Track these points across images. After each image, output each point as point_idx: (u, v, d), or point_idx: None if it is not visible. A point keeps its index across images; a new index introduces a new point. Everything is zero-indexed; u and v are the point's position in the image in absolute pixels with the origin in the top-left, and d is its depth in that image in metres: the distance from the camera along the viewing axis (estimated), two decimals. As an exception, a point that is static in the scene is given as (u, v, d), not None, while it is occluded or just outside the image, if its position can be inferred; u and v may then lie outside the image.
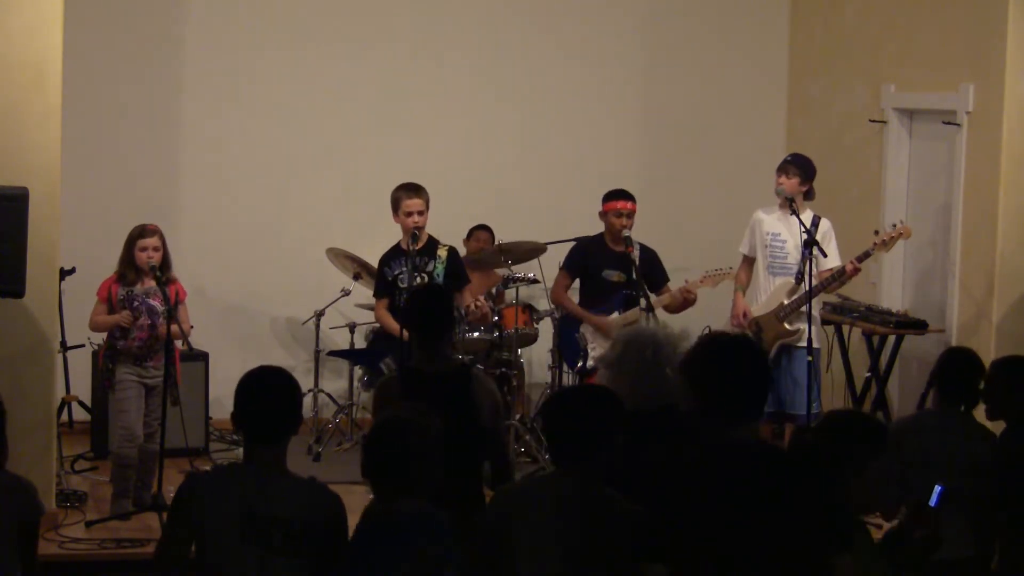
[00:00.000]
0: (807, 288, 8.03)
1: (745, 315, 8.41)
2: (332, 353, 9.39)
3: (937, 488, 4.36)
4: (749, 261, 8.58)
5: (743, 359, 4.15)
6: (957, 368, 5.89)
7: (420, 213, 7.94)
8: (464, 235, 9.76)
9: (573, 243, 8.88)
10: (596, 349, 8.36)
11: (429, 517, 4.36)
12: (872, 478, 4.15)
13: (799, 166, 8.36)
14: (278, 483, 4.50)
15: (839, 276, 8.18)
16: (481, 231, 9.76)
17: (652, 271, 8.45)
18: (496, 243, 9.51)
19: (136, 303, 7.71)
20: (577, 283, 8.68)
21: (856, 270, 8.17)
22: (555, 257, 9.02)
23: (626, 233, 8.32)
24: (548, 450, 4.69)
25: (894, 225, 8.31)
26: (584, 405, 4.60)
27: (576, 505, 4.44)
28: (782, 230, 8.39)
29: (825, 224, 8.31)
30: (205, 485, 4.60)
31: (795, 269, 8.33)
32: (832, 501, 3.90)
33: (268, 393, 4.58)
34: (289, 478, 4.55)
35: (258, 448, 4.56)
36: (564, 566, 4.41)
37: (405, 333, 7.59)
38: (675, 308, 8.31)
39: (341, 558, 4.41)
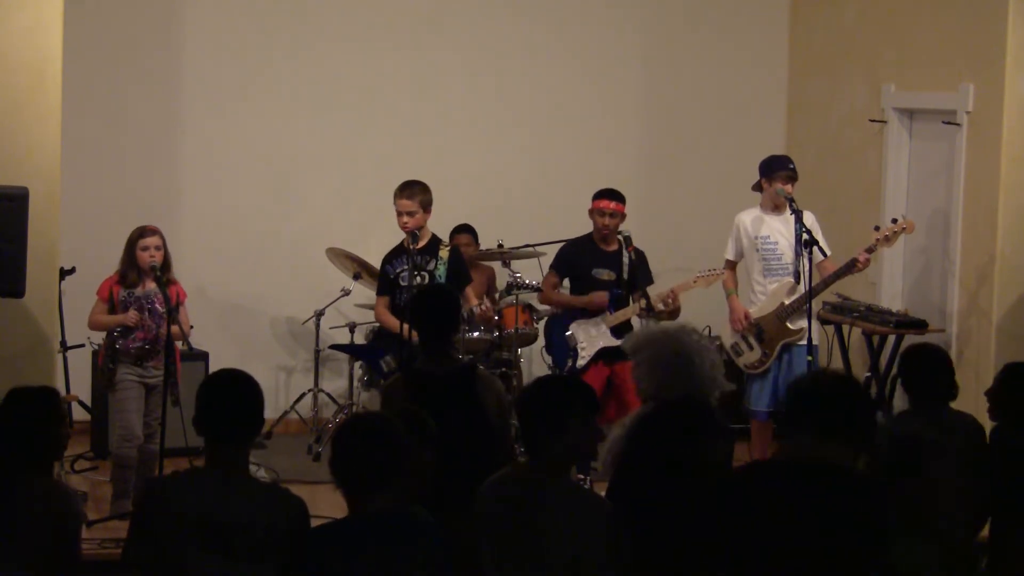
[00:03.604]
0: (807, 287, 8.02)
1: (746, 317, 8.39)
2: (333, 347, 9.39)
3: None
4: (733, 265, 8.55)
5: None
6: (921, 365, 5.93)
7: (410, 214, 7.91)
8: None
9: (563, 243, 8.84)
10: (586, 348, 8.35)
11: (405, 516, 4.31)
12: None
13: (796, 172, 8.36)
14: (239, 488, 4.46)
15: (850, 268, 8.16)
16: (460, 234, 9.60)
17: (637, 271, 8.38)
18: (498, 243, 9.51)
19: (141, 304, 7.71)
20: (568, 284, 8.65)
21: (868, 261, 8.15)
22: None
23: (626, 233, 8.29)
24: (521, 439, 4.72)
25: (895, 220, 8.30)
26: (537, 393, 4.63)
27: (545, 499, 4.45)
28: (771, 232, 8.36)
29: (810, 217, 8.29)
30: (163, 491, 4.56)
31: (791, 269, 8.31)
32: (884, 518, 3.94)
33: (228, 395, 4.56)
34: (251, 482, 4.52)
35: (219, 452, 4.53)
36: (536, 562, 4.41)
37: (406, 329, 7.65)
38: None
39: (307, 559, 4.33)
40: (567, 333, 8.49)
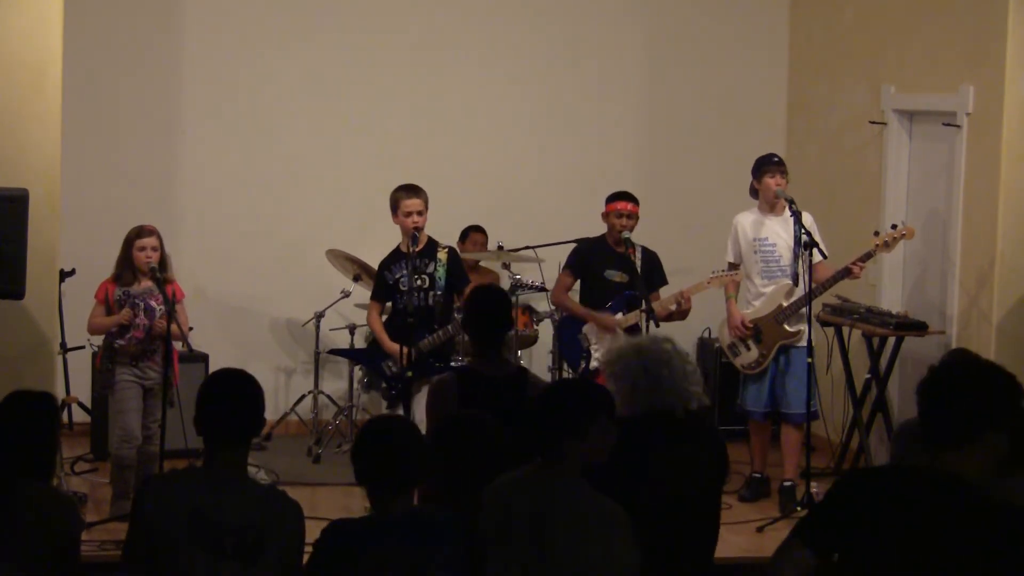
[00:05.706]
0: (806, 289, 8.02)
1: (743, 323, 8.39)
2: (333, 351, 9.40)
3: None
4: (735, 268, 8.55)
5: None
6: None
7: (419, 213, 7.92)
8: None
9: (574, 244, 8.85)
10: (599, 350, 8.32)
11: (427, 517, 4.35)
12: None
13: (784, 164, 8.37)
14: (234, 489, 4.47)
15: (844, 276, 8.16)
16: (476, 232, 9.73)
17: (651, 274, 8.41)
18: (498, 245, 9.51)
19: (136, 302, 7.70)
20: (578, 284, 8.65)
21: (862, 270, 8.17)
22: (557, 258, 9.01)
23: (626, 235, 8.30)
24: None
25: (895, 226, 8.30)
26: (552, 396, 4.63)
27: (557, 503, 4.44)
28: (769, 234, 8.36)
29: (808, 218, 8.29)
30: (158, 488, 4.57)
31: (790, 271, 8.30)
32: None
33: (227, 395, 4.56)
34: (247, 484, 4.52)
35: (217, 452, 4.53)
36: (545, 566, 4.41)
37: (395, 347, 7.65)
38: (662, 318, 8.09)
39: (326, 554, 4.34)
40: (579, 334, 8.47)
